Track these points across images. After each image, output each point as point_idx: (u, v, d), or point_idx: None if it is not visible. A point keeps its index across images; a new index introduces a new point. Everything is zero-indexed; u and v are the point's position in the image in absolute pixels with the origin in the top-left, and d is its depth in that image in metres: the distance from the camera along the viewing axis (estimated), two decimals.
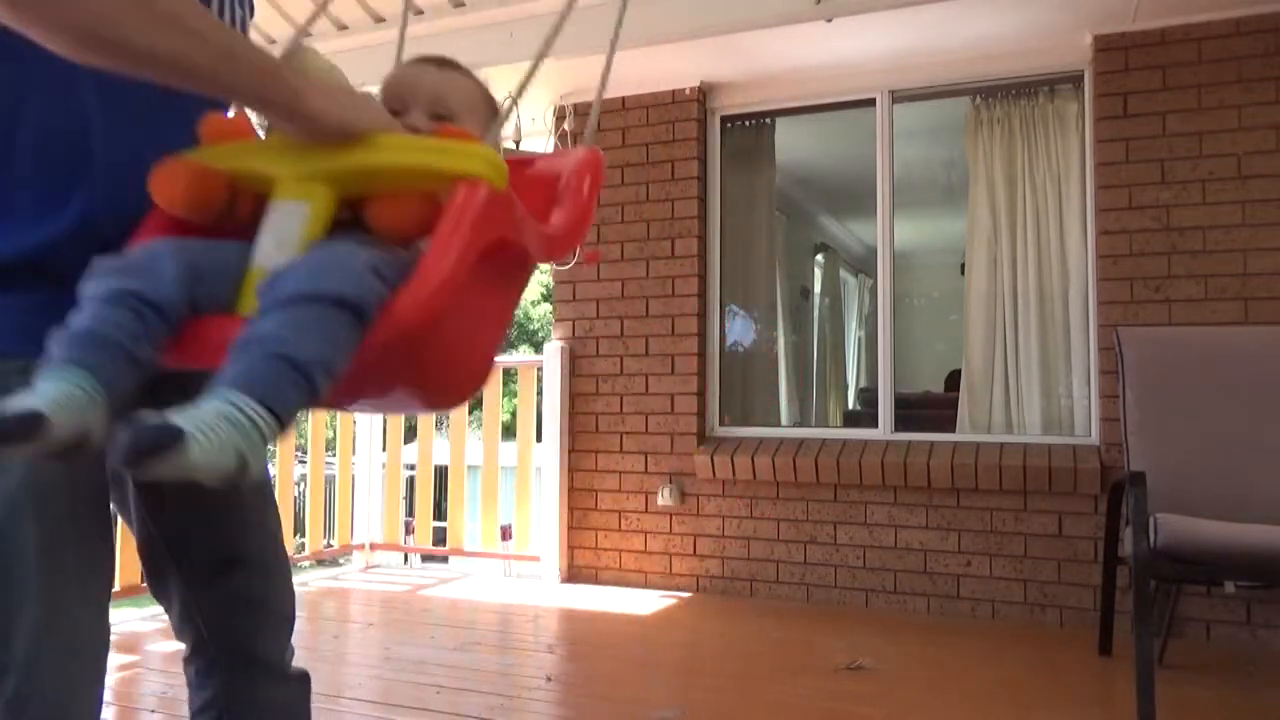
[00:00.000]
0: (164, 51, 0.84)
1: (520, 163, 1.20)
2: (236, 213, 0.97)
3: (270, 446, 0.85)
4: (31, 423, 0.76)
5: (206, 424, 0.76)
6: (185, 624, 1.22)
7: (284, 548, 1.30)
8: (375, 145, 0.95)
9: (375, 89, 1.10)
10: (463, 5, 3.91)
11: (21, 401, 0.77)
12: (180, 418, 0.75)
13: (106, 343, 0.85)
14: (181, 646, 1.26)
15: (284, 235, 0.93)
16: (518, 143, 5.05)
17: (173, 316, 0.89)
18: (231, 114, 1.04)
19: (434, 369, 0.95)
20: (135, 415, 0.74)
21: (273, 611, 1.25)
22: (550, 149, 4.72)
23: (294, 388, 0.83)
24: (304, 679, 1.29)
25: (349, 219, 0.96)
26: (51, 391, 0.79)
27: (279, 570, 1.27)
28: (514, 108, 1.17)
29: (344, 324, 0.85)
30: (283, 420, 0.82)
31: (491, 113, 1.17)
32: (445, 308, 0.88)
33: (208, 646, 1.22)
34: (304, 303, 0.84)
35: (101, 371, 0.83)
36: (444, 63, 1.15)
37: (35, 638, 0.95)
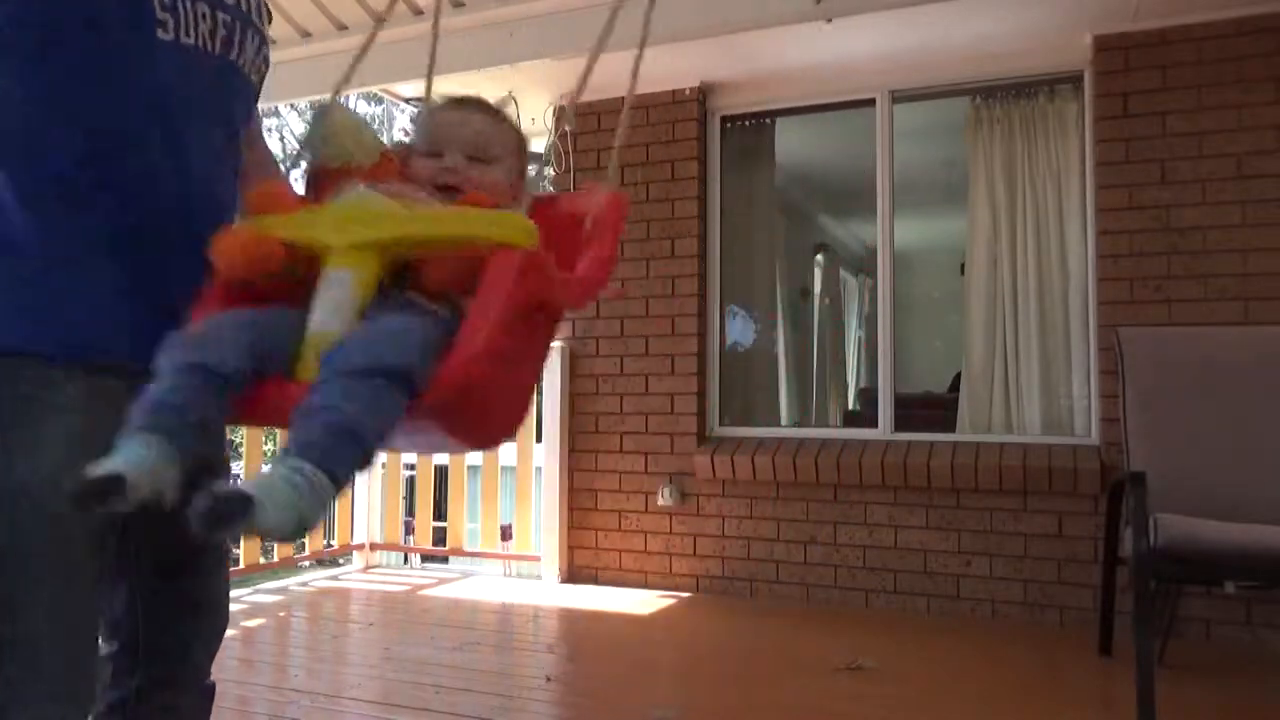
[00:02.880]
0: None
1: (546, 201, 1.25)
2: (296, 274, 1.04)
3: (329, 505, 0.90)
4: (113, 484, 0.85)
5: (274, 490, 0.84)
6: (123, 620, 1.21)
7: (225, 557, 1.32)
8: (419, 218, 1.06)
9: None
10: (462, 5, 3.91)
11: (105, 465, 0.86)
12: (250, 485, 0.83)
13: (179, 410, 0.92)
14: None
15: (335, 303, 1.00)
16: None
17: (238, 382, 0.96)
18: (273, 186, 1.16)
19: (475, 420, 1.01)
20: (211, 485, 0.82)
21: (215, 618, 1.28)
22: (550, 149, 4.72)
23: (351, 454, 0.90)
24: (210, 692, 1.30)
25: (393, 279, 1.04)
26: (131, 456, 0.88)
27: (221, 577, 1.30)
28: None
29: (396, 394, 0.92)
30: (339, 483, 0.89)
31: (524, 158, 1.25)
32: (486, 372, 0.96)
33: (139, 648, 1.21)
34: (362, 376, 0.92)
35: (176, 437, 0.91)
36: (484, 106, 1.24)
37: (43, 616, 1.00)
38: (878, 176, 4.23)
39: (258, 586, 4.53)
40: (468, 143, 1.18)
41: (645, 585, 4.40)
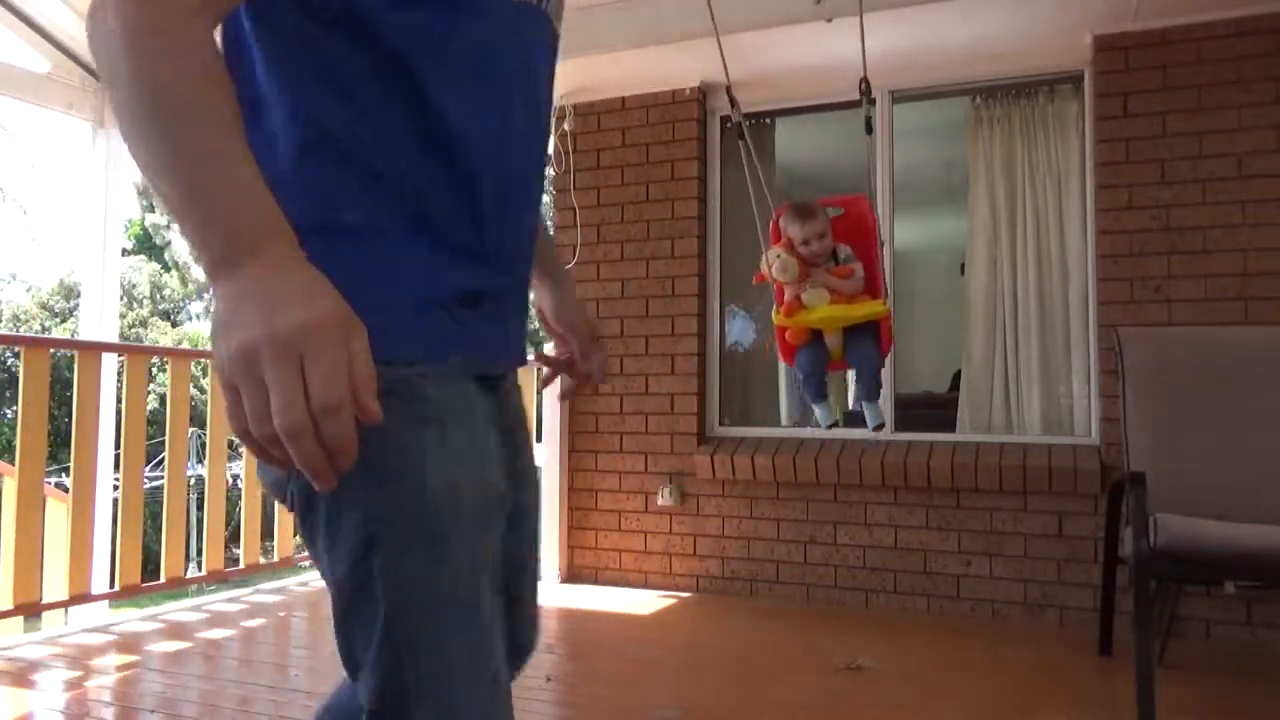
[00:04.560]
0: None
1: (833, 219, 3.00)
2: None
3: None
4: (835, 424, 3.30)
5: (878, 412, 3.11)
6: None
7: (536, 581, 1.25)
8: (852, 313, 2.82)
9: None
10: None
11: (825, 417, 3.16)
12: (876, 415, 3.10)
13: (821, 389, 3.04)
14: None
15: (832, 343, 2.92)
16: None
17: (824, 374, 3.04)
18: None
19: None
20: (870, 414, 3.09)
21: (533, 635, 1.19)
22: (550, 149, 4.72)
23: (879, 393, 3.06)
24: None
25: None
26: (828, 411, 3.13)
27: (536, 600, 1.22)
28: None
29: (879, 374, 3.04)
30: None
31: (830, 224, 2.92)
32: (890, 339, 2.92)
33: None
34: (875, 370, 2.95)
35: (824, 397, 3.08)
36: (816, 209, 2.91)
37: (470, 658, 0.91)
38: (878, 176, 4.23)
39: (258, 586, 4.53)
40: (818, 231, 2.84)
41: (645, 585, 4.40)
